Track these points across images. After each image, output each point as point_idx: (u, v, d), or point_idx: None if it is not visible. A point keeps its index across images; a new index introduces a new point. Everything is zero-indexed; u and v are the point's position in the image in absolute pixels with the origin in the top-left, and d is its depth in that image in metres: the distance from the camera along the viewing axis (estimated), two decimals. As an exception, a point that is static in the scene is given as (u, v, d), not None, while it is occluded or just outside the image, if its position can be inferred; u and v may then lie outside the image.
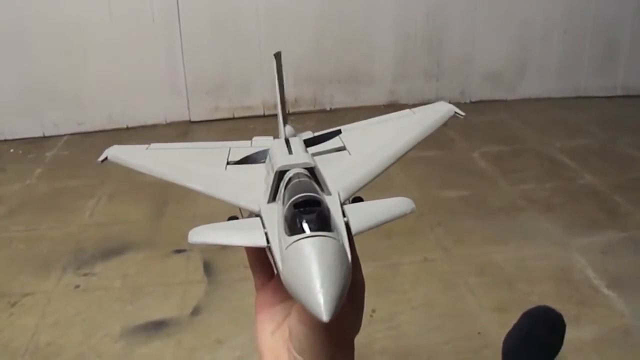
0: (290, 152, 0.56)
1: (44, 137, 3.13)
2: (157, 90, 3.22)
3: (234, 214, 0.54)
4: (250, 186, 0.55)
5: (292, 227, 0.40)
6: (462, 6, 3.42)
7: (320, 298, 0.35)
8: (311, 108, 3.39)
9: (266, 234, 0.44)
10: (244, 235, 0.45)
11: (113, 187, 2.48)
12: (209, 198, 0.57)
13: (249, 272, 0.55)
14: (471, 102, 3.59)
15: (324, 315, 0.35)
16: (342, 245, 0.40)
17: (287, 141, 0.59)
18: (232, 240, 0.45)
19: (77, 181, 2.56)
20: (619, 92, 3.73)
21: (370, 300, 1.68)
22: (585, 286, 1.80)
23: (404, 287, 1.81)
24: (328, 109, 3.39)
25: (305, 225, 0.39)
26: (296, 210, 0.41)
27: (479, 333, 1.60)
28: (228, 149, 0.65)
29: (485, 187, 2.45)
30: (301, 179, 0.47)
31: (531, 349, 1.28)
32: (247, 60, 3.20)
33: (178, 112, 3.29)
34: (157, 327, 1.64)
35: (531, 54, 3.60)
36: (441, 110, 0.66)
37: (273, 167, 0.50)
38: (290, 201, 0.42)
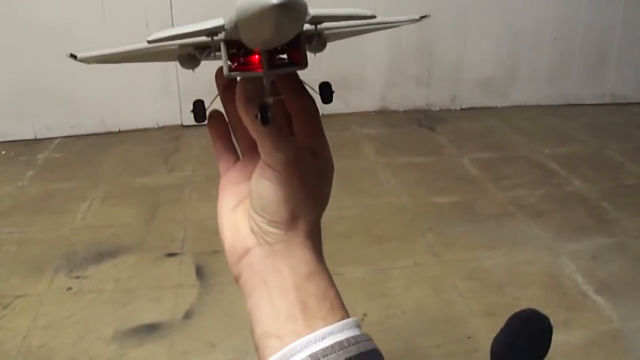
0: None
1: (36, 140, 3.13)
2: (149, 94, 3.23)
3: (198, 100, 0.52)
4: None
5: None
6: (453, 13, 3.45)
7: None
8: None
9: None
10: (202, 24, 0.40)
11: (105, 190, 2.49)
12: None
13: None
14: (462, 109, 3.61)
15: None
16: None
17: None
18: (190, 28, 0.40)
19: (69, 184, 2.56)
20: (607, 100, 3.77)
21: (361, 305, 1.71)
22: (574, 291, 1.82)
23: (395, 291, 1.82)
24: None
25: None
26: None
27: (469, 337, 1.61)
28: None
29: (475, 193, 2.47)
30: None
31: (519, 351, 1.29)
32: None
33: (170, 117, 3.29)
34: (150, 330, 1.64)
35: (521, 61, 3.63)
36: (403, 17, 0.62)
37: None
38: None
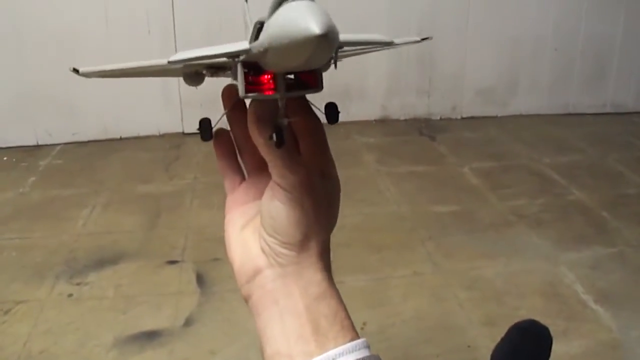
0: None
1: (38, 146, 3.14)
2: (151, 102, 3.24)
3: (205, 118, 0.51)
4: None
5: (277, 6, 0.35)
6: (454, 23, 3.47)
7: (307, 15, 0.31)
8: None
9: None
10: (224, 47, 0.40)
11: (106, 197, 2.49)
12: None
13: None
14: (462, 118, 3.63)
15: (315, 25, 0.31)
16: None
17: None
18: (212, 51, 0.40)
19: (71, 190, 2.57)
20: (608, 109, 3.78)
21: (361, 314, 1.72)
22: (573, 301, 1.83)
23: (395, 300, 1.82)
24: (320, 122, 3.41)
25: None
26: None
27: (468, 346, 1.62)
28: None
29: (475, 202, 2.48)
30: None
31: (519, 362, 1.29)
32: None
33: (172, 124, 3.31)
34: (150, 337, 1.65)
35: (522, 71, 3.65)
36: (405, 39, 0.62)
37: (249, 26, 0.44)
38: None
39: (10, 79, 3.05)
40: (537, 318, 1.38)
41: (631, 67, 3.74)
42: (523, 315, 1.69)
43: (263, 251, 0.47)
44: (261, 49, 0.37)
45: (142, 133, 3.28)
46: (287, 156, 0.44)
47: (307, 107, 0.48)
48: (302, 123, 0.47)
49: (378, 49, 0.53)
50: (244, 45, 0.39)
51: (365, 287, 1.88)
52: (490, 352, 1.33)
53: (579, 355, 1.60)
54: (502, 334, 1.35)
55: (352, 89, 3.46)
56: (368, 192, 2.56)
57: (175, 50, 3.10)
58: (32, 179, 2.73)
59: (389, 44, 0.44)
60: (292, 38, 0.32)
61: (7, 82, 3.05)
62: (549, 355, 1.31)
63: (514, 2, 3.49)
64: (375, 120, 3.52)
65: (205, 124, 0.50)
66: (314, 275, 0.46)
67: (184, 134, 3.30)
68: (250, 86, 0.42)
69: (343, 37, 0.39)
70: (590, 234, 2.23)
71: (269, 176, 0.46)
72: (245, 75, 0.41)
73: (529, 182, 2.69)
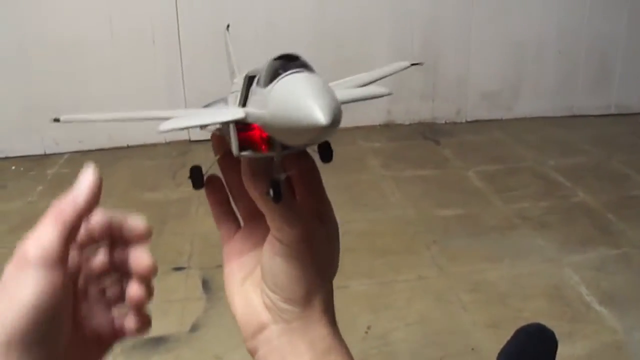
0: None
1: (45, 155, 3.17)
2: (157, 110, 3.26)
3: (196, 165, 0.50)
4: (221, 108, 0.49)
5: (273, 76, 0.36)
6: (457, 27, 3.48)
7: (313, 103, 0.31)
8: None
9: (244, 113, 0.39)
10: (217, 114, 0.40)
11: (113, 205, 2.50)
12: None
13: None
14: (467, 122, 3.63)
15: (322, 116, 0.31)
16: (328, 84, 0.35)
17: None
18: (205, 119, 0.39)
19: (78, 199, 2.59)
20: (613, 111, 3.78)
21: (365, 317, 1.73)
22: (578, 302, 1.83)
23: (399, 304, 1.83)
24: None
25: (289, 69, 0.36)
26: (276, 61, 0.37)
27: (472, 349, 1.62)
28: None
29: (480, 205, 2.49)
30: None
31: (524, 365, 1.30)
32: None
33: (178, 132, 3.31)
34: (157, 343, 1.66)
35: (526, 73, 3.65)
36: (395, 65, 0.60)
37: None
38: (271, 58, 0.37)
39: (17, 89, 3.09)
40: (542, 320, 1.39)
41: (635, 68, 3.74)
42: (527, 317, 1.70)
43: (266, 307, 0.46)
44: (259, 122, 0.36)
45: (149, 141, 3.30)
46: (285, 209, 0.43)
47: (303, 154, 0.46)
48: (295, 165, 0.46)
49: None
50: (238, 113, 0.38)
51: (370, 291, 1.89)
52: (494, 354, 1.33)
53: (583, 357, 1.60)
54: (507, 336, 1.36)
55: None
56: (373, 197, 2.58)
57: (180, 59, 3.15)
58: (40, 188, 2.76)
59: (387, 95, 0.45)
60: (296, 123, 0.32)
61: (15, 92, 3.09)
62: (554, 358, 1.32)
63: (516, 6, 3.50)
64: (380, 125, 3.54)
65: (196, 172, 0.49)
66: (320, 330, 0.45)
67: (190, 141, 3.32)
68: (244, 143, 0.40)
69: (343, 98, 0.40)
70: (595, 235, 2.23)
71: (265, 222, 0.44)
72: (238, 132, 0.40)
73: (533, 185, 2.69)
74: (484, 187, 2.67)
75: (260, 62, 0.38)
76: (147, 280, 0.45)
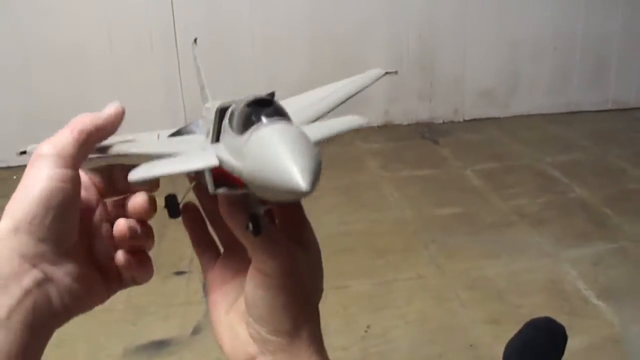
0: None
1: (47, 165, 3.19)
2: (156, 119, 3.29)
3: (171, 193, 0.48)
4: (193, 145, 0.48)
5: (247, 124, 0.35)
6: (453, 27, 3.50)
7: (293, 167, 0.31)
8: (307, 130, 3.44)
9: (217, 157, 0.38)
10: (190, 161, 0.39)
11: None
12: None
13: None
14: (465, 121, 3.65)
15: (303, 183, 0.30)
16: (305, 133, 0.35)
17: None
18: (177, 167, 0.38)
19: (80, 207, 2.61)
20: (610, 106, 3.80)
21: (364, 316, 1.75)
22: (575, 297, 1.85)
23: (398, 302, 1.85)
24: (324, 130, 3.44)
25: (263, 118, 0.35)
26: (249, 107, 0.36)
27: (471, 345, 1.64)
28: (157, 134, 0.58)
29: (477, 203, 2.50)
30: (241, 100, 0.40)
31: (531, 357, 1.31)
32: (243, 88, 3.26)
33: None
34: (159, 346, 1.68)
35: (522, 71, 3.67)
36: (370, 74, 0.61)
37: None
38: (242, 102, 0.37)
39: (19, 99, 3.11)
40: (539, 314, 1.40)
41: (632, 63, 3.76)
42: (525, 313, 1.72)
43: (252, 338, 0.45)
44: (235, 172, 0.35)
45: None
46: (266, 241, 0.42)
47: None
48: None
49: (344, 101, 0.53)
50: (212, 161, 0.37)
51: (370, 291, 1.91)
52: (493, 350, 1.35)
53: (581, 351, 1.62)
54: (505, 332, 1.37)
55: (354, 96, 3.49)
56: (372, 198, 2.59)
57: (178, 66, 3.17)
58: (42, 196, 2.77)
59: (364, 124, 0.45)
60: (275, 185, 0.31)
61: (16, 102, 3.11)
62: (562, 353, 1.33)
63: (512, 4, 3.52)
64: (378, 126, 3.55)
65: (171, 200, 0.48)
66: None
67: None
68: (219, 179, 0.39)
69: (318, 137, 0.40)
70: (591, 230, 2.25)
71: (245, 248, 0.44)
72: (213, 170, 0.39)
73: (530, 182, 2.71)
74: (482, 185, 2.69)
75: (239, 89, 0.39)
76: (139, 218, 0.47)
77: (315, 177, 0.31)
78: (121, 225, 0.45)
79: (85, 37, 3.10)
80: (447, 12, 3.48)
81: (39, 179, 0.42)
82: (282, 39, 3.33)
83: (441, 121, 3.63)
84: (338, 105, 0.53)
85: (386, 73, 0.57)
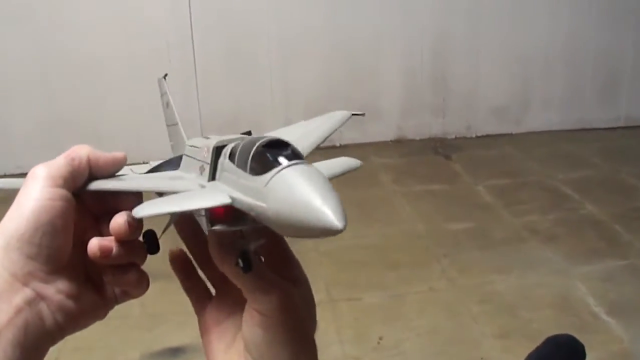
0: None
1: (64, 173, 3.23)
2: (173, 128, 3.34)
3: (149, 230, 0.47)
4: (182, 179, 0.48)
5: (265, 165, 0.36)
6: (466, 43, 3.53)
7: (326, 209, 0.32)
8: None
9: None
10: (200, 199, 0.39)
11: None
12: None
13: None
14: (477, 137, 3.67)
15: (337, 222, 0.32)
16: (324, 174, 0.36)
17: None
18: (187, 205, 0.39)
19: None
20: (622, 123, 3.80)
21: (377, 328, 1.77)
22: (585, 313, 1.87)
23: (410, 315, 1.88)
24: (338, 144, 3.47)
25: (281, 159, 0.36)
26: (265, 148, 0.37)
27: (481, 359, 1.66)
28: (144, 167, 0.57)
29: (489, 219, 2.53)
30: (249, 141, 0.40)
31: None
32: (258, 97, 3.31)
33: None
34: (175, 353, 1.72)
35: (534, 87, 3.69)
36: (337, 116, 0.60)
37: (207, 149, 0.44)
38: (258, 143, 0.38)
39: (36, 106, 3.17)
40: (549, 330, 1.42)
41: (644, 80, 3.77)
42: (536, 328, 1.74)
43: None
44: (252, 212, 0.36)
45: (166, 157, 3.35)
46: (258, 278, 0.43)
47: None
48: (267, 237, 0.44)
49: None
50: (223, 199, 0.38)
51: (382, 304, 1.94)
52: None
53: (591, 366, 1.63)
54: (515, 346, 1.40)
55: (367, 110, 3.46)
56: (385, 212, 2.62)
57: (195, 78, 3.22)
58: (60, 204, 2.82)
59: (359, 166, 0.47)
60: (307, 225, 0.33)
61: (34, 109, 3.18)
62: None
63: (523, 20, 3.55)
64: (391, 141, 3.58)
65: (149, 236, 0.47)
66: None
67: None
68: (214, 217, 0.39)
69: (329, 176, 0.41)
70: (602, 247, 2.26)
71: (237, 287, 0.44)
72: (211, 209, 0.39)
73: (542, 198, 2.73)
74: (494, 201, 2.71)
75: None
76: (119, 239, 0.44)
77: (345, 214, 0.33)
78: (92, 244, 0.43)
79: (104, 50, 3.15)
80: (461, 29, 3.51)
81: (30, 198, 0.42)
82: (299, 49, 3.37)
83: (454, 137, 3.65)
84: (312, 150, 0.54)
85: (353, 115, 0.57)
